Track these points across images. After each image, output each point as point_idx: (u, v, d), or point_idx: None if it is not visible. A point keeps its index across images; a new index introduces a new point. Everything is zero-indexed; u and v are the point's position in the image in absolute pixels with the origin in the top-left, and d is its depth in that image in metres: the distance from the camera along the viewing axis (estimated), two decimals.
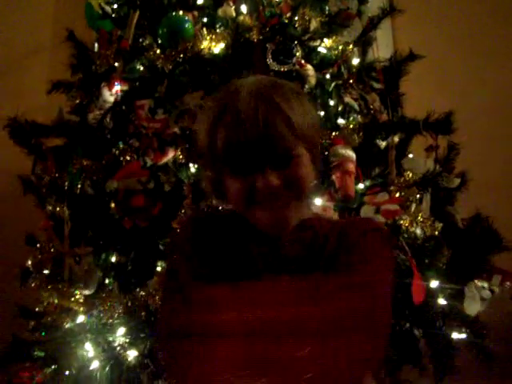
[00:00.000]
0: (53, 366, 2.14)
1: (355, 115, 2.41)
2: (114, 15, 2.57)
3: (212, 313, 0.98)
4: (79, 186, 2.23)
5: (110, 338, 2.06)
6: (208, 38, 2.37)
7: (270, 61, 2.29)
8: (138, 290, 2.06)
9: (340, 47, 2.47)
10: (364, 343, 0.97)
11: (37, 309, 2.23)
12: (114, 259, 2.16)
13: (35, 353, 2.14)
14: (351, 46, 2.49)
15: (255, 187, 1.11)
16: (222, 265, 1.16)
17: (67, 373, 2.10)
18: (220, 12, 2.48)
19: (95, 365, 2.07)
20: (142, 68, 2.44)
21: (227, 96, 1.14)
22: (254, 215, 1.15)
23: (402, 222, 2.16)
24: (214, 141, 1.13)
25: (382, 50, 3.10)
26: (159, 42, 2.41)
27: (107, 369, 2.07)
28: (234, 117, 1.09)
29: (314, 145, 1.18)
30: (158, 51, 2.37)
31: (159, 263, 2.07)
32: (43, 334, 2.19)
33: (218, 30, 2.43)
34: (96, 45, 2.58)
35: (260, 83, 1.14)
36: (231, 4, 2.47)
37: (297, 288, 1.02)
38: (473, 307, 2.14)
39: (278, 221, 1.14)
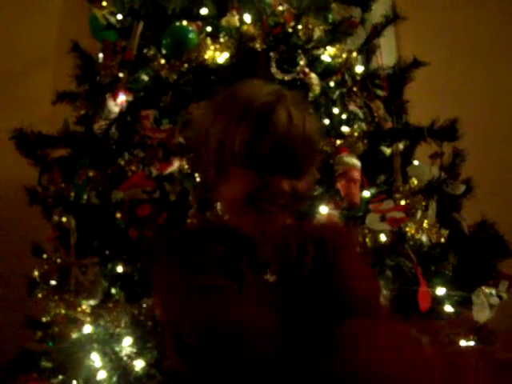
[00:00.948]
0: (60, 377, 2.14)
1: (360, 123, 2.41)
2: (118, 26, 2.58)
3: None
4: (85, 196, 2.24)
5: (117, 348, 2.06)
6: (212, 47, 2.38)
7: (273, 70, 2.29)
8: (144, 299, 2.06)
9: (344, 55, 2.48)
10: None
11: (44, 319, 2.24)
12: (120, 269, 2.16)
13: (42, 363, 2.15)
14: (355, 54, 2.49)
15: (266, 188, 1.12)
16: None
17: (74, 383, 2.10)
18: (224, 22, 2.48)
19: (102, 375, 2.07)
20: (146, 78, 2.45)
21: (246, 97, 1.15)
22: (245, 216, 1.16)
23: (407, 229, 2.16)
24: (233, 136, 1.12)
25: (386, 57, 3.10)
26: (163, 52, 2.42)
27: (114, 379, 2.07)
28: (262, 117, 1.11)
29: (318, 157, 1.21)
30: (163, 61, 2.38)
31: None
32: (50, 344, 2.19)
33: (221, 40, 2.44)
34: (101, 55, 2.59)
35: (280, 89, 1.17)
36: (235, 13, 2.48)
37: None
38: (482, 314, 2.14)
39: (267, 226, 1.16)
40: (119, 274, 2.16)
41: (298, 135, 1.10)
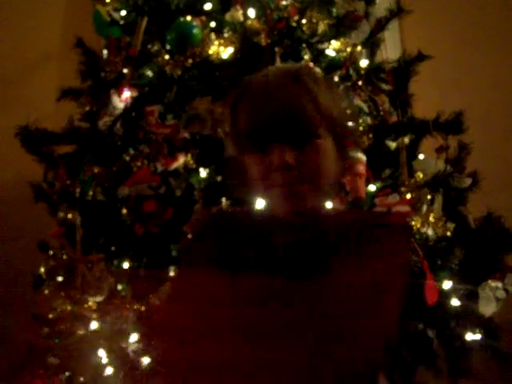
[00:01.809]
0: (67, 373, 2.15)
1: (364, 117, 2.41)
2: (122, 22, 2.58)
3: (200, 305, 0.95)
4: (90, 192, 2.24)
5: (124, 345, 2.06)
6: (216, 42, 2.38)
7: (278, 64, 2.29)
8: (150, 296, 2.06)
9: (348, 49, 2.47)
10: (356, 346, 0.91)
11: (50, 316, 2.24)
12: (126, 265, 2.16)
13: (49, 360, 2.15)
14: (359, 48, 2.48)
15: (272, 165, 1.07)
16: (243, 255, 1.13)
17: (81, 379, 2.10)
18: (228, 16, 2.48)
19: (109, 371, 2.07)
20: (151, 74, 2.45)
21: (255, 76, 1.14)
22: (271, 198, 1.12)
23: (413, 223, 2.16)
24: (237, 117, 1.12)
25: (391, 51, 3.09)
26: (168, 47, 2.42)
27: (121, 375, 2.07)
28: (258, 90, 1.09)
29: (341, 133, 1.11)
30: (167, 57, 2.38)
31: (171, 269, 2.07)
32: (57, 340, 2.20)
33: (226, 35, 2.44)
34: (105, 52, 2.59)
35: (290, 65, 1.14)
36: (239, 8, 2.48)
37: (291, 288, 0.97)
38: (488, 308, 2.13)
39: (292, 205, 1.09)
40: (125, 270, 2.17)
41: (297, 104, 1.05)
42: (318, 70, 1.10)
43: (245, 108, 1.09)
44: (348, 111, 1.15)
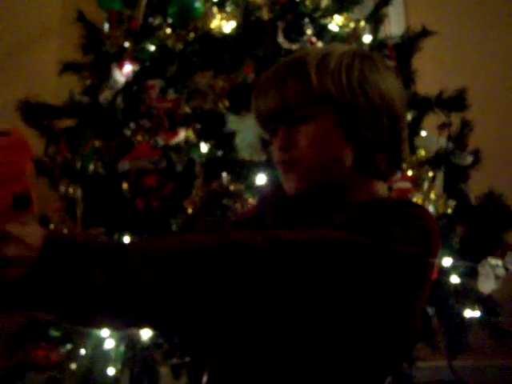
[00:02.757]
0: (68, 346, 2.17)
1: None
2: None
3: None
4: (91, 167, 2.24)
5: None
6: (218, 16, 2.36)
7: (280, 39, 2.27)
8: None
9: (351, 24, 2.46)
10: None
11: None
12: (126, 239, 2.16)
13: (51, 332, 2.17)
14: (363, 23, 2.47)
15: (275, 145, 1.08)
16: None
17: (82, 352, 2.12)
18: None
19: (110, 344, 2.09)
20: (152, 48, 2.44)
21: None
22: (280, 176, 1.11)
23: (414, 199, 2.16)
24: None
25: (394, 26, 3.07)
26: (169, 21, 2.40)
27: (122, 348, 2.09)
28: (264, 76, 1.09)
29: (352, 113, 1.02)
30: (169, 31, 2.37)
31: None
32: None
33: (228, 9, 2.42)
34: (106, 25, 2.57)
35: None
36: None
37: None
38: (487, 285, 2.14)
39: (287, 184, 1.08)
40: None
41: (286, 85, 1.03)
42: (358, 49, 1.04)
43: (254, 94, 1.10)
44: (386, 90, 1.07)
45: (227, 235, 0.89)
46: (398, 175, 2.17)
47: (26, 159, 0.82)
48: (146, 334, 2.04)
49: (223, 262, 0.81)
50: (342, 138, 1.03)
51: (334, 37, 2.42)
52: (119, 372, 2.10)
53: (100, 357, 2.09)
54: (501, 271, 2.18)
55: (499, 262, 2.19)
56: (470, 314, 2.16)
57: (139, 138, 2.17)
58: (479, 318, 2.18)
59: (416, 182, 2.18)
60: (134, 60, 2.35)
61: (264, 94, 1.06)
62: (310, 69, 1.02)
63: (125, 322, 0.84)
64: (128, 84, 2.32)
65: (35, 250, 0.74)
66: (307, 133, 1.03)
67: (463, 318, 2.16)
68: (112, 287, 0.75)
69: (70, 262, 0.75)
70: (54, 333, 2.17)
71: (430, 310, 2.15)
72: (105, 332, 2.09)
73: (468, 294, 2.17)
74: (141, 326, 0.93)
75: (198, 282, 0.79)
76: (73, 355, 2.15)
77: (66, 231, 2.19)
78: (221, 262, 0.81)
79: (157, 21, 2.49)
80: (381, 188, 1.09)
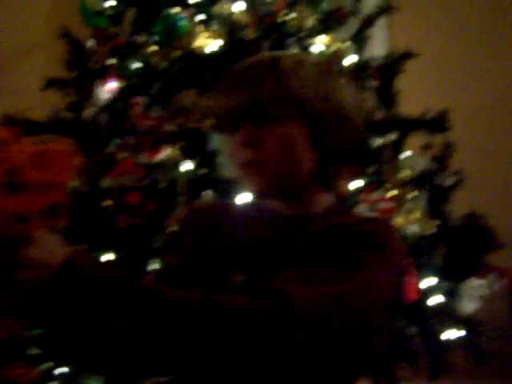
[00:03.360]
0: (47, 364, 2.14)
1: None
2: (109, 12, 2.56)
3: None
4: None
5: None
6: (203, 35, 2.37)
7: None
8: None
9: (336, 45, 2.47)
10: None
11: None
12: (107, 257, 2.15)
13: (31, 350, 2.14)
14: (347, 44, 2.48)
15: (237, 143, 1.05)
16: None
17: (62, 370, 2.09)
18: (216, 9, 2.47)
19: None
20: (137, 65, 2.43)
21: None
22: (240, 178, 1.09)
23: (397, 220, 2.16)
24: (214, 100, 1.12)
25: (378, 48, 3.10)
26: (154, 39, 2.40)
27: None
28: (230, 73, 1.07)
29: (321, 122, 1.03)
30: (154, 48, 2.37)
31: (153, 261, 2.06)
32: (39, 331, 2.18)
33: (213, 28, 2.42)
34: (91, 42, 2.57)
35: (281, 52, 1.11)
36: (227, 1, 2.47)
37: None
38: (469, 305, 2.15)
39: (251, 185, 1.07)
40: (107, 261, 2.15)
41: (257, 83, 1.02)
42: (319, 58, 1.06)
43: (218, 89, 1.09)
44: (349, 103, 1.08)
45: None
46: (381, 195, 2.18)
47: (72, 170, 0.83)
48: None
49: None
50: (307, 144, 1.03)
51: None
52: None
53: (80, 375, 2.07)
54: (482, 291, 2.19)
55: (481, 282, 2.20)
56: (452, 334, 2.16)
57: (123, 155, 2.16)
58: (461, 338, 2.18)
59: (399, 201, 2.19)
60: (118, 77, 2.35)
61: (234, 89, 1.04)
62: (288, 72, 1.02)
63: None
64: (112, 101, 2.32)
65: (57, 259, 0.75)
66: (275, 132, 1.02)
67: (445, 339, 2.16)
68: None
69: (88, 285, 0.76)
70: (34, 350, 2.15)
71: (412, 330, 2.15)
72: None
73: (450, 315, 2.17)
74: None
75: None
76: (52, 374, 2.12)
77: None
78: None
79: (142, 38, 2.49)
80: (329, 200, 1.10)
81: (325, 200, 1.09)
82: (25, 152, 0.78)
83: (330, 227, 1.00)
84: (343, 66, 2.41)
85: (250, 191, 1.08)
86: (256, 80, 1.02)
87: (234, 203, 1.15)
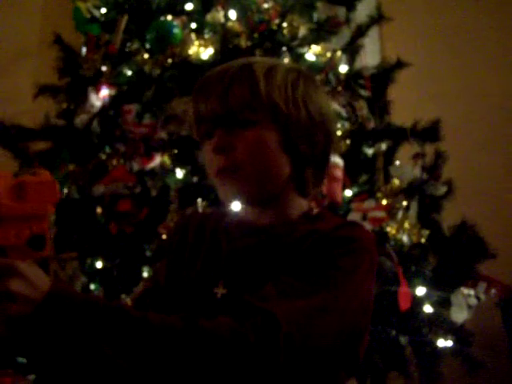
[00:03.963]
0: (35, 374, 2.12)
1: (343, 122, 2.41)
2: (102, 19, 2.56)
3: None
4: (65, 190, 2.22)
5: None
6: (196, 43, 2.37)
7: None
8: (123, 296, 2.05)
9: (328, 54, 2.48)
10: None
11: None
12: (99, 265, 2.14)
13: (19, 359, 2.12)
14: (339, 54, 2.50)
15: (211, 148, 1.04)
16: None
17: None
18: (209, 17, 2.48)
19: None
20: (129, 72, 2.44)
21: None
22: (216, 185, 1.08)
23: (388, 229, 2.17)
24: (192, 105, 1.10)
25: (370, 57, 3.11)
26: (147, 46, 2.41)
27: None
28: (205, 78, 1.07)
29: (292, 127, 1.03)
30: (146, 56, 2.37)
31: (145, 269, 2.06)
32: None
33: (206, 36, 2.43)
34: (83, 49, 2.57)
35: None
36: (220, 9, 2.47)
37: None
38: (459, 315, 2.15)
39: (224, 191, 1.06)
40: (98, 269, 2.15)
41: (231, 88, 1.01)
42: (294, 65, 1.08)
43: (193, 96, 1.09)
44: (322, 111, 1.09)
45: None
46: (373, 204, 2.19)
47: (51, 202, 0.83)
48: None
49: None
50: (280, 149, 1.03)
51: (311, 66, 2.45)
52: None
53: None
54: (473, 301, 2.20)
55: (471, 292, 2.21)
56: (443, 343, 2.16)
57: (114, 162, 2.16)
58: (452, 347, 2.18)
59: (390, 211, 2.20)
60: (110, 84, 2.34)
61: (206, 95, 1.04)
62: (258, 77, 1.02)
63: None
64: (104, 108, 2.32)
65: (40, 292, 0.76)
66: (247, 137, 1.02)
67: (436, 348, 2.16)
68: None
69: (74, 314, 0.77)
70: (22, 360, 2.13)
71: (403, 339, 2.14)
72: None
73: (441, 324, 2.17)
74: None
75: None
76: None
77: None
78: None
79: (134, 46, 2.50)
80: (305, 205, 1.10)
81: (301, 205, 1.09)
82: (1, 185, 0.78)
83: (307, 234, 1.01)
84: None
85: (226, 199, 1.07)
86: (227, 86, 1.02)
87: (225, 211, 1.13)
